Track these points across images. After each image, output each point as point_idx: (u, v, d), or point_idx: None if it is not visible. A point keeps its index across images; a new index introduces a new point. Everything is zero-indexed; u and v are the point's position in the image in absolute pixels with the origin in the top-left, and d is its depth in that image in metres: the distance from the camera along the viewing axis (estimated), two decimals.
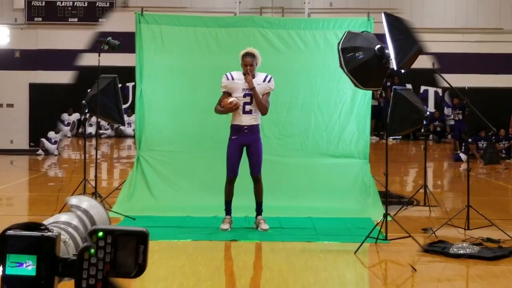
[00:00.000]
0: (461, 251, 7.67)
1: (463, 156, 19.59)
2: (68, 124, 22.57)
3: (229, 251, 7.54)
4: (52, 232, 1.31)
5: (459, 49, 22.49)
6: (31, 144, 23.02)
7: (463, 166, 17.82)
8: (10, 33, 23.20)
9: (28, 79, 23.05)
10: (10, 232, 1.31)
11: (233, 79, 8.13)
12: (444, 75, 8.74)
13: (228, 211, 8.28)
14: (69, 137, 22.17)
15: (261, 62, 8.22)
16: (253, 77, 8.11)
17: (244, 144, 8.16)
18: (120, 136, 22.03)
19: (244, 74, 8.08)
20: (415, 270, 7.05)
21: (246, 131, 8.12)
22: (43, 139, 22.47)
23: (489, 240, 8.38)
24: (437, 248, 7.93)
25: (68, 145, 20.46)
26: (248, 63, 8.04)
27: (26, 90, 23.14)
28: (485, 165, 18.28)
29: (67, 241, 1.36)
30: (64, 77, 22.37)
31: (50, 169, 19.18)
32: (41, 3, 22.91)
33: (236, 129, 8.15)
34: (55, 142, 22.40)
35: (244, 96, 8.10)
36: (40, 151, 22.43)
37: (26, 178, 16.80)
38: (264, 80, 8.14)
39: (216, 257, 7.38)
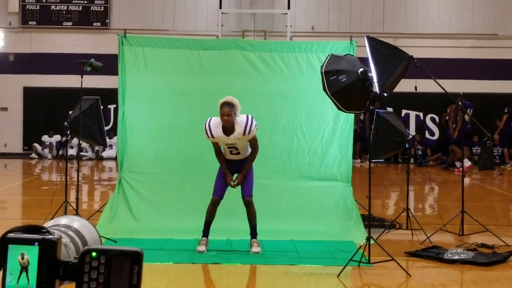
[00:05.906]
0: (456, 257, 7.69)
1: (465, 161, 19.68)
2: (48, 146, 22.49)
3: (211, 274, 7.48)
4: (53, 235, 1.29)
5: (453, 55, 22.64)
6: (25, 147, 22.97)
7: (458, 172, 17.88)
8: (4, 37, 23.17)
9: (22, 83, 23.04)
10: (11, 235, 1.29)
11: (213, 136, 8.02)
12: (438, 81, 8.75)
13: (205, 232, 8.23)
14: (49, 159, 22.07)
15: (240, 110, 8.04)
16: (233, 126, 7.97)
17: (234, 172, 8.23)
18: (100, 158, 21.93)
19: (224, 129, 7.97)
20: (410, 275, 7.08)
21: (234, 162, 8.23)
22: (36, 144, 22.43)
23: (483, 245, 8.43)
24: (432, 254, 7.95)
25: (48, 167, 20.38)
26: (226, 113, 7.89)
27: (20, 94, 23.13)
28: (480, 171, 18.33)
29: (68, 244, 1.33)
30: (58, 81, 22.37)
31: (43, 173, 19.08)
32: (36, 7, 22.87)
33: (227, 161, 8.24)
34: (49, 146, 22.39)
35: (229, 147, 8.13)
36: (33, 155, 22.36)
37: (19, 181, 16.73)
38: (244, 133, 7.96)
39: (198, 280, 7.33)
